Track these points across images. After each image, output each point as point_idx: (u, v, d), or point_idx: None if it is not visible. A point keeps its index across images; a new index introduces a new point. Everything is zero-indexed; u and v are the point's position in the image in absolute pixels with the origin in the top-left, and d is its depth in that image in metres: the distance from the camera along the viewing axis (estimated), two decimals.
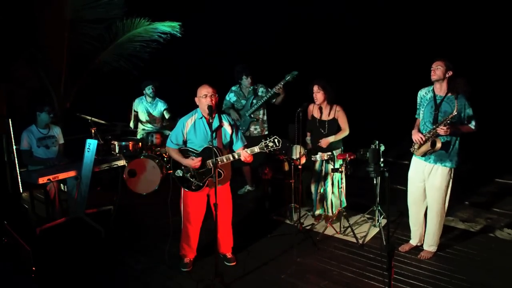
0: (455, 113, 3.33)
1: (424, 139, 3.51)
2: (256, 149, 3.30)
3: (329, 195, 4.43)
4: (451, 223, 4.46)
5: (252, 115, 5.27)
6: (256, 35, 8.33)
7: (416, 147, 3.61)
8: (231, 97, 5.38)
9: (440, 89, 3.48)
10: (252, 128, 5.32)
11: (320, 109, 4.43)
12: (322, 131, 4.44)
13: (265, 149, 3.27)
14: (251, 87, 5.30)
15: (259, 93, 5.25)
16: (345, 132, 4.37)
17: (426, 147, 3.51)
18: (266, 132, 5.36)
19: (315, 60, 8.07)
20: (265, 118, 5.36)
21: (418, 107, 3.70)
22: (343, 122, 4.37)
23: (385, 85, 7.85)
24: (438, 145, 3.44)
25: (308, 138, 4.70)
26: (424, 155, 3.59)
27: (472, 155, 6.22)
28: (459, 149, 3.55)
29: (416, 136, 3.57)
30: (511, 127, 7.10)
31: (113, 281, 3.51)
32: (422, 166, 3.65)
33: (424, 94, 3.63)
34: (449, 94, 3.45)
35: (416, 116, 3.73)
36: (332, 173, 4.35)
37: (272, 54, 8.18)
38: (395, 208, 4.63)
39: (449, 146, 3.51)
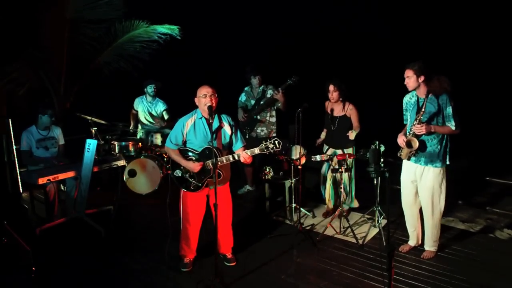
0: (423, 110, 3.38)
1: (406, 141, 3.53)
2: (256, 150, 3.30)
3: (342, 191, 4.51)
4: (451, 224, 4.46)
5: (258, 116, 5.27)
6: (257, 35, 8.35)
7: (402, 152, 3.64)
8: (242, 97, 5.42)
9: (420, 92, 3.51)
10: (258, 129, 5.31)
11: (333, 106, 4.58)
12: (332, 127, 4.56)
13: (265, 150, 3.27)
14: (261, 88, 5.30)
15: (268, 95, 5.25)
16: (357, 129, 4.49)
17: (406, 149, 3.54)
18: (274, 134, 5.34)
19: (316, 61, 8.09)
20: (273, 120, 5.32)
21: (404, 113, 3.74)
22: (355, 120, 4.51)
23: (385, 84, 7.86)
24: (415, 145, 3.46)
25: (323, 134, 4.82)
26: (409, 158, 3.62)
27: (472, 156, 6.23)
28: (449, 148, 3.56)
29: (399, 140, 3.60)
30: (510, 127, 7.11)
31: (113, 281, 3.51)
32: (413, 168, 3.66)
33: (408, 99, 3.67)
34: (431, 95, 3.48)
35: (404, 122, 3.76)
36: (336, 174, 4.42)
37: (274, 54, 8.19)
38: (395, 209, 4.63)
39: (438, 146, 3.51)
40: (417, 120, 3.41)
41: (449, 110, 3.43)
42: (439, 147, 3.52)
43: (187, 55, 8.36)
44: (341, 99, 4.52)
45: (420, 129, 3.39)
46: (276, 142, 3.25)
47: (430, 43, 7.43)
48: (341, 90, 4.47)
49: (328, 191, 4.73)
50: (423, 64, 3.43)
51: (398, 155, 3.70)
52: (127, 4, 6.27)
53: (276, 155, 4.75)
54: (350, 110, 4.51)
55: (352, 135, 4.46)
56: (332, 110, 4.59)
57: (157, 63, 6.96)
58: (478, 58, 7.23)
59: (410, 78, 3.46)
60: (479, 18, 7.05)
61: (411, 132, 3.49)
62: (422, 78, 3.43)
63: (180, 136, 3.49)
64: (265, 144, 3.26)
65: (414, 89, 3.51)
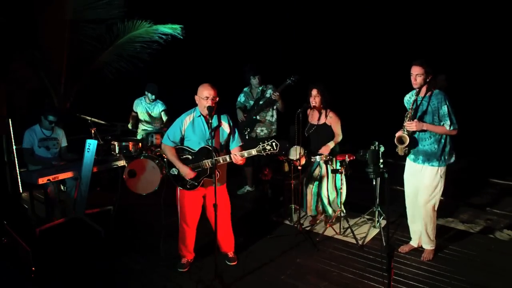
0: (412, 107, 3.42)
1: (397, 137, 3.55)
2: (254, 151, 3.30)
3: (329, 196, 4.41)
4: (451, 224, 4.46)
5: (258, 117, 5.26)
6: (257, 36, 8.36)
7: (398, 148, 3.65)
8: (241, 97, 5.41)
9: (421, 91, 3.49)
10: (258, 129, 5.29)
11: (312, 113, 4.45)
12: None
13: (262, 152, 3.27)
14: (260, 88, 5.29)
15: (267, 95, 5.22)
16: (339, 137, 4.32)
17: (398, 145, 3.56)
18: (274, 134, 5.31)
19: (316, 60, 8.10)
20: (273, 120, 5.30)
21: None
22: (336, 127, 4.33)
23: (385, 85, 7.87)
24: (405, 140, 3.47)
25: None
26: (404, 153, 3.61)
27: (471, 156, 6.23)
28: (448, 148, 3.53)
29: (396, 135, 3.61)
30: (510, 128, 7.11)
31: (113, 281, 3.51)
32: (413, 167, 3.68)
33: (408, 98, 3.66)
34: (428, 93, 3.49)
35: None
36: (333, 174, 4.35)
37: (275, 54, 8.21)
38: (395, 209, 4.63)
39: (435, 145, 3.51)
40: (407, 117, 3.44)
41: (445, 109, 3.38)
42: (436, 146, 3.51)
43: (188, 55, 8.37)
44: (322, 105, 4.31)
45: (411, 126, 3.41)
46: (274, 144, 3.23)
47: (427, 41, 7.43)
48: (324, 96, 4.27)
49: (310, 197, 4.48)
50: (429, 63, 3.38)
51: (396, 150, 3.69)
52: (130, 4, 6.27)
53: (276, 156, 4.74)
54: (330, 118, 4.29)
55: (326, 149, 4.24)
56: (311, 117, 4.46)
57: (158, 63, 6.96)
58: (478, 58, 7.23)
59: (420, 76, 3.37)
60: (479, 14, 7.05)
61: (403, 129, 3.50)
62: (430, 78, 3.40)
63: (178, 133, 3.48)
64: (262, 146, 3.26)
65: (419, 88, 3.43)
